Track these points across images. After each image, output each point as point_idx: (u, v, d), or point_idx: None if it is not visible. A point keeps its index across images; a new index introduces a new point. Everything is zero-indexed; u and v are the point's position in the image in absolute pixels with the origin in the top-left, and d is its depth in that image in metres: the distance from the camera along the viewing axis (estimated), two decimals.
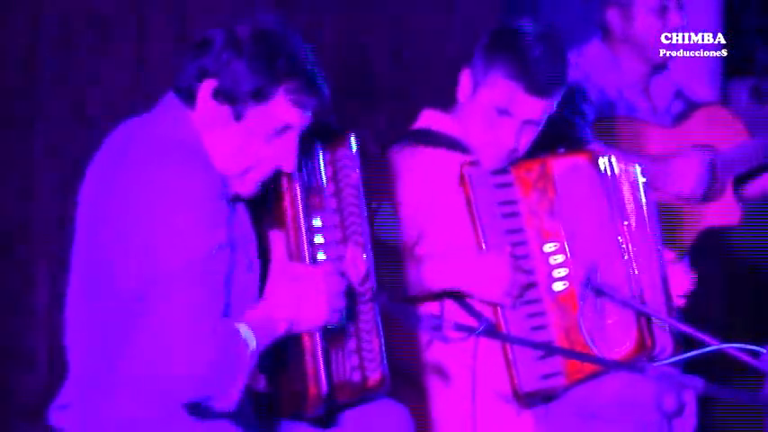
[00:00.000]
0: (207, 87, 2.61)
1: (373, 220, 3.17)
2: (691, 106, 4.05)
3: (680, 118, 3.99)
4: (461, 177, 3.21)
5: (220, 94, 2.61)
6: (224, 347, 2.49)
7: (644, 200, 3.37)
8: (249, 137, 2.63)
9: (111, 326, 2.58)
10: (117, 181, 2.57)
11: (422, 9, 4.59)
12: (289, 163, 2.68)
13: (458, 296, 3.25)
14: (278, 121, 2.63)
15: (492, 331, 3.00)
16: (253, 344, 2.55)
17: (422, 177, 3.26)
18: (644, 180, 3.39)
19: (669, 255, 3.40)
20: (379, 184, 3.21)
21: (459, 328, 2.81)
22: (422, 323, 2.79)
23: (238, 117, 2.62)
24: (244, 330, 2.55)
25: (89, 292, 2.62)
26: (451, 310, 3.25)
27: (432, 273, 3.21)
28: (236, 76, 2.59)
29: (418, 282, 3.21)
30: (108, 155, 2.65)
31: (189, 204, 2.51)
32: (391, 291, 3.05)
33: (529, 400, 3.23)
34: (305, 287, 2.66)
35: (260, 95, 2.60)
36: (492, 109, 3.21)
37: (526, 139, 3.24)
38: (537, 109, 3.20)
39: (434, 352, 3.26)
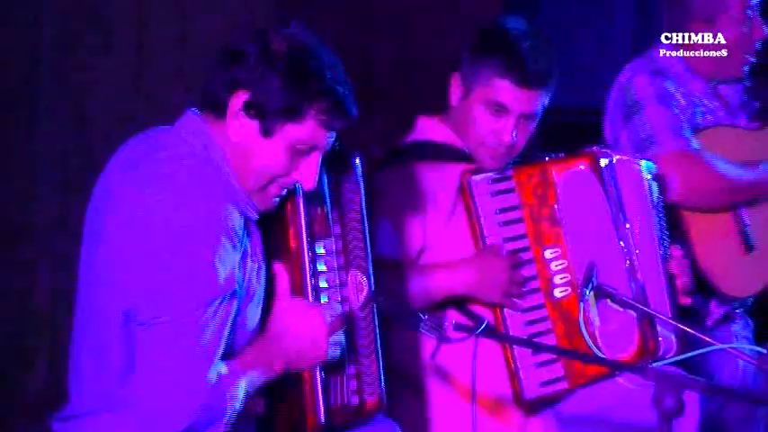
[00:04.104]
0: (238, 100, 2.59)
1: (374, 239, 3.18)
2: (765, 100, 4.00)
3: (762, 116, 3.94)
4: (461, 186, 3.22)
5: (252, 108, 2.59)
6: (211, 395, 2.51)
7: (650, 198, 3.37)
8: (274, 154, 2.61)
9: (118, 347, 2.58)
10: (140, 213, 2.53)
11: (422, 9, 4.60)
12: (309, 182, 2.67)
13: (459, 303, 3.26)
14: (305, 140, 2.61)
15: (492, 332, 3.00)
16: (242, 389, 2.57)
17: (421, 195, 3.26)
18: (650, 177, 3.39)
19: (677, 252, 3.40)
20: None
21: (459, 328, 2.82)
22: (422, 324, 2.79)
23: (267, 133, 2.60)
24: (235, 374, 2.57)
25: (99, 311, 2.61)
26: (452, 312, 3.26)
27: (434, 282, 3.21)
28: (270, 92, 2.57)
29: (422, 293, 3.21)
30: (130, 178, 2.60)
31: (207, 252, 2.50)
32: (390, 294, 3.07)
33: (532, 406, 3.23)
34: (306, 330, 2.66)
35: (292, 113, 2.58)
36: (487, 107, 3.22)
37: (524, 134, 3.25)
38: (531, 101, 3.21)
39: (439, 357, 3.26)
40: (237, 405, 2.57)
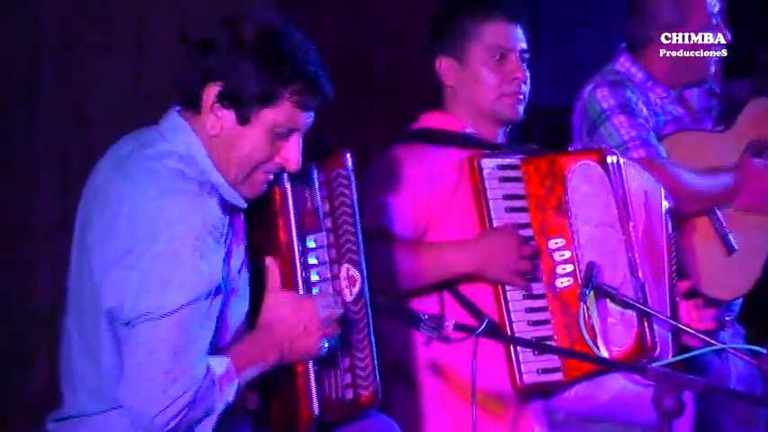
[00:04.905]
0: (211, 92, 2.60)
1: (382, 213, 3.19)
2: (728, 102, 4.03)
3: (726, 118, 3.97)
4: (472, 168, 3.25)
5: (226, 98, 2.59)
6: (201, 388, 2.51)
7: (661, 208, 3.39)
8: (254, 140, 2.62)
9: (107, 347, 2.59)
10: (124, 212, 2.54)
11: (422, 9, 4.60)
12: (293, 163, 2.67)
13: (459, 298, 3.26)
14: (283, 123, 2.62)
15: (492, 331, 3.01)
16: (234, 382, 2.57)
17: (427, 172, 3.28)
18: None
19: (683, 285, 3.42)
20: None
21: (459, 328, 2.81)
22: (422, 324, 2.79)
23: (244, 121, 2.61)
24: (225, 367, 2.56)
25: (88, 310, 2.62)
26: (451, 309, 3.26)
27: (443, 257, 3.23)
28: (243, 79, 2.58)
29: (431, 268, 3.22)
30: (116, 177, 2.62)
31: (189, 249, 2.50)
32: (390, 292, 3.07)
33: (527, 392, 3.24)
34: (298, 320, 2.67)
35: (267, 99, 2.59)
36: (489, 56, 3.33)
37: (528, 74, 3.37)
38: (521, 35, 3.36)
39: (434, 351, 3.27)
40: (230, 399, 2.57)
